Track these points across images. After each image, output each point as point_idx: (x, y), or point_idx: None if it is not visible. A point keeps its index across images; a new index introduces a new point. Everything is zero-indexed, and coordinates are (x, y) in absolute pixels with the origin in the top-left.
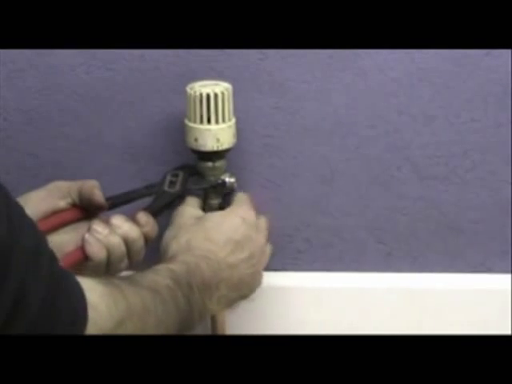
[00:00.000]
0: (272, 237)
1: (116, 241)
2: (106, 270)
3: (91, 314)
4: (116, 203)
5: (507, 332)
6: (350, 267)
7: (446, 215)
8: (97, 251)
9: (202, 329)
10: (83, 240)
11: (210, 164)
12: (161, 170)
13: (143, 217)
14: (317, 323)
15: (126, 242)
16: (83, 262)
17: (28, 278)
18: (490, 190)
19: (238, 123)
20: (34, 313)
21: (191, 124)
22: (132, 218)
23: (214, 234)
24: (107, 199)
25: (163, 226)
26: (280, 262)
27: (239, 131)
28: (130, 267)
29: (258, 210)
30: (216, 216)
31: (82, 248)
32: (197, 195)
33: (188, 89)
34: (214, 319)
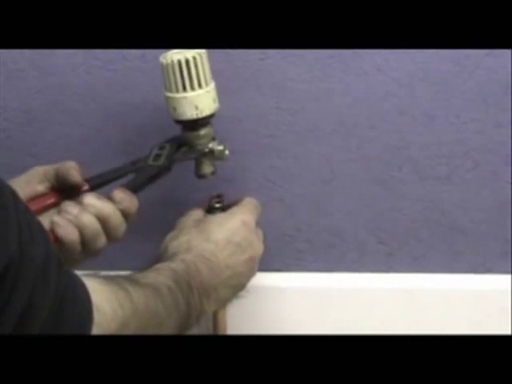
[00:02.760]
0: (273, 237)
1: (87, 220)
2: (83, 249)
3: (96, 316)
4: (101, 182)
5: (507, 332)
6: (351, 267)
7: (446, 215)
8: (67, 232)
9: (202, 329)
10: (52, 222)
11: (194, 133)
12: None
13: (119, 193)
14: (317, 323)
15: (101, 219)
16: (56, 244)
17: (36, 290)
18: (491, 191)
19: (238, 123)
20: (41, 323)
21: (168, 94)
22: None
23: (215, 235)
24: (91, 179)
25: (163, 225)
26: (281, 262)
27: (240, 131)
28: (110, 244)
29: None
30: (217, 218)
31: (51, 230)
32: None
33: (161, 58)
34: (215, 319)
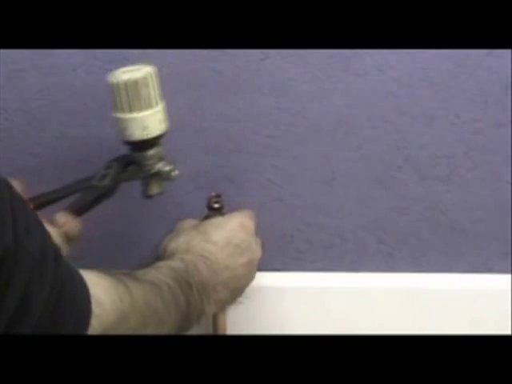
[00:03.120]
0: (273, 237)
1: None
2: None
3: (95, 309)
4: (46, 201)
5: (507, 332)
6: (351, 267)
7: (446, 215)
8: None
9: (202, 329)
10: None
11: (142, 153)
12: None
13: (61, 217)
14: (317, 323)
15: None
16: None
17: (32, 283)
18: (491, 190)
19: (238, 123)
20: (38, 315)
21: (116, 114)
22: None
23: (213, 236)
24: (36, 197)
25: (163, 225)
26: (281, 262)
27: (240, 131)
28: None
29: (259, 211)
30: (215, 220)
31: None
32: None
33: (109, 76)
34: (214, 319)
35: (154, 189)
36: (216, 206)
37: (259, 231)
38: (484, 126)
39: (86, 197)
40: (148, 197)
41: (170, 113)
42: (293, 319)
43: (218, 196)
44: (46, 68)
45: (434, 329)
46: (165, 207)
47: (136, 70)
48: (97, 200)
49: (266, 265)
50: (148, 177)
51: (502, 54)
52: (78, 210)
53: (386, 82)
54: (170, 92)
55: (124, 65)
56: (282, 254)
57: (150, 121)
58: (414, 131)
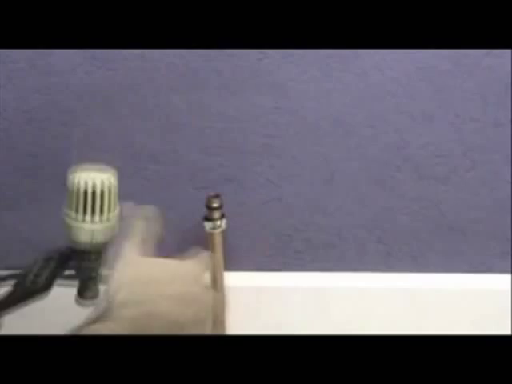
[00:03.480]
0: (271, 237)
1: None
2: None
3: None
4: None
5: (507, 332)
6: (350, 267)
7: (445, 215)
8: None
9: None
10: None
11: (85, 257)
12: (159, 168)
13: None
14: (317, 323)
15: None
16: None
17: None
18: (490, 190)
19: (238, 123)
20: None
21: (67, 216)
22: None
23: (166, 291)
24: None
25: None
26: (280, 261)
27: (240, 131)
28: None
29: (258, 210)
30: (171, 265)
31: None
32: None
33: (70, 176)
34: (214, 319)
35: (89, 291)
36: (215, 205)
37: (258, 231)
38: (483, 125)
39: (17, 294)
40: (81, 303)
41: (171, 112)
42: (292, 319)
43: (216, 196)
44: (46, 68)
45: (433, 329)
46: (165, 207)
47: (97, 174)
48: (26, 299)
49: (265, 265)
50: (86, 280)
51: (502, 54)
52: (4, 306)
53: (384, 81)
54: (170, 92)
55: (124, 65)
56: (280, 253)
57: (99, 229)
58: (413, 131)
